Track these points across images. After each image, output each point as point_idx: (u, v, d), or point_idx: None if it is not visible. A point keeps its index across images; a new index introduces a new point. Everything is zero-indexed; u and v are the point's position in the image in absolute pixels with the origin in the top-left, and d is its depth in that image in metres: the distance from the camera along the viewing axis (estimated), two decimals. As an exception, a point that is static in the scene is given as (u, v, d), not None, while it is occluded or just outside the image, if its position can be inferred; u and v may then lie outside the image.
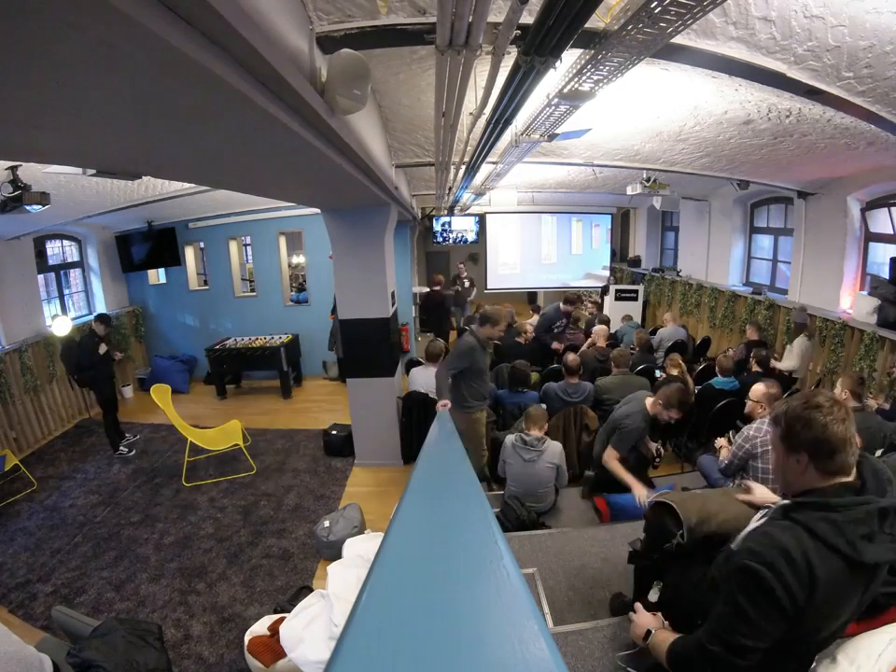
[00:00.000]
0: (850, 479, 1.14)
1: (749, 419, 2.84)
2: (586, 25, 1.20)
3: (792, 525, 1.13)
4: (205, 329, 7.27)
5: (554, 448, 3.16)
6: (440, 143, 2.58)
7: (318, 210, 4.26)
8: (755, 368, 4.34)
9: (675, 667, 1.29)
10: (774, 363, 4.87)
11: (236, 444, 4.59)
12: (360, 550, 2.78)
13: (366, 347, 4.38)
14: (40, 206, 3.13)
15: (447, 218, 9.17)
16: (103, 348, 4.99)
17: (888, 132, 2.78)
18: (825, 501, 1.11)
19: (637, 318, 7.73)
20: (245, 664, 2.47)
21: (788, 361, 4.93)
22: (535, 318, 7.10)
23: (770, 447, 2.42)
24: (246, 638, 2.45)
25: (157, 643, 2.14)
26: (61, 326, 5.41)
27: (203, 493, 4.24)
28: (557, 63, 1.44)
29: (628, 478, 2.80)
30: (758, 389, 2.82)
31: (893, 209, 4.47)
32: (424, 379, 4.38)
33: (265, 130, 1.46)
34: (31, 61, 0.86)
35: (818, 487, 1.15)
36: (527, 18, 1.28)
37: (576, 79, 1.68)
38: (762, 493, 1.68)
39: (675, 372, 4.25)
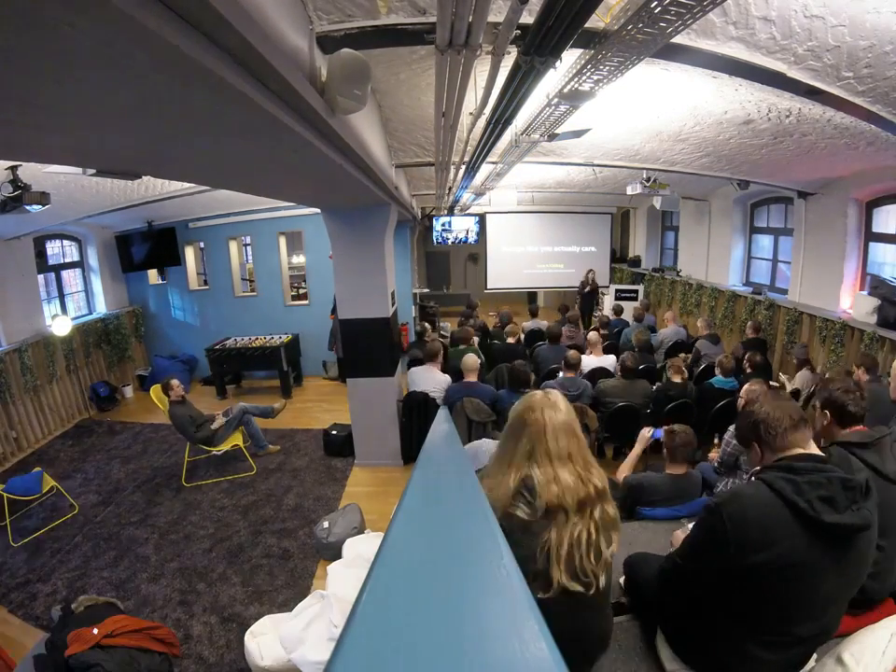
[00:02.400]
0: (812, 451, 1.30)
1: None
2: (586, 25, 1.20)
3: (756, 482, 1.28)
4: (205, 328, 7.27)
5: None
6: (440, 143, 2.58)
7: (318, 210, 4.26)
8: (748, 370, 4.34)
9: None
10: (783, 380, 4.82)
11: (236, 445, 4.59)
12: (360, 550, 2.78)
13: (366, 347, 4.38)
14: (40, 206, 3.13)
15: (447, 218, 9.17)
16: None
17: (888, 132, 2.78)
18: (788, 465, 1.26)
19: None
20: (246, 664, 2.48)
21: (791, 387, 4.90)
22: (533, 321, 7.08)
23: None
24: (247, 638, 2.44)
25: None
26: (61, 326, 5.41)
27: (204, 493, 4.24)
28: (557, 63, 1.44)
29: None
30: (748, 390, 2.91)
31: (893, 209, 4.48)
32: (423, 379, 4.37)
33: (265, 130, 1.46)
34: (31, 61, 0.86)
35: (783, 457, 1.30)
36: (527, 18, 1.28)
37: (576, 79, 1.68)
38: None
39: (677, 379, 4.23)
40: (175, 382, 4.51)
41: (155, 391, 4.64)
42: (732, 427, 2.70)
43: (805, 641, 1.30)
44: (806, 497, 1.16)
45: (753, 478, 1.31)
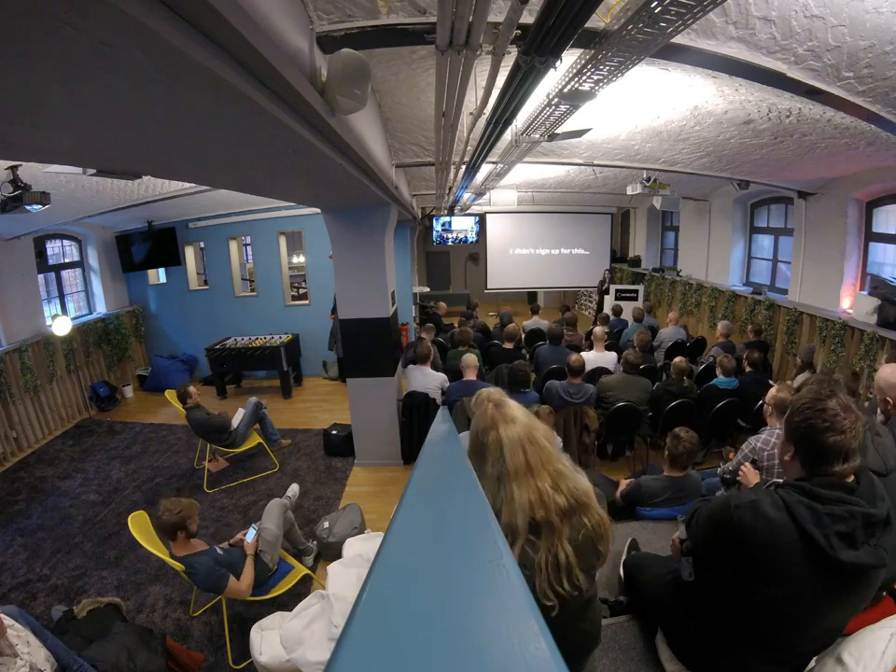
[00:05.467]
0: (845, 479, 1.16)
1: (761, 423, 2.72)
2: (586, 25, 1.20)
3: (777, 498, 1.18)
4: (205, 328, 7.26)
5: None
6: (440, 143, 2.58)
7: (318, 210, 4.26)
8: (747, 368, 4.34)
9: None
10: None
11: (258, 442, 4.60)
12: (360, 550, 2.78)
13: (366, 347, 4.38)
14: (40, 206, 3.13)
15: (447, 218, 9.17)
16: None
17: (888, 132, 2.78)
18: (812, 489, 1.14)
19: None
20: (245, 663, 2.48)
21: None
22: (534, 319, 7.10)
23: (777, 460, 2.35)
24: (253, 630, 2.42)
25: (159, 647, 2.19)
26: (61, 326, 5.41)
27: (204, 493, 4.23)
28: (557, 63, 1.44)
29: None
30: (770, 392, 2.70)
31: (893, 209, 4.48)
32: (419, 380, 4.37)
33: (265, 130, 1.46)
34: (31, 61, 0.86)
35: (809, 478, 1.19)
36: (527, 18, 1.28)
37: (576, 79, 1.68)
38: None
39: (685, 383, 4.21)
40: (192, 389, 4.40)
41: (172, 395, 4.60)
42: (752, 441, 2.57)
43: (805, 655, 1.30)
44: (825, 531, 1.09)
45: (774, 489, 1.22)
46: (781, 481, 1.27)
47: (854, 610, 1.22)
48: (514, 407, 1.28)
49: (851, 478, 1.17)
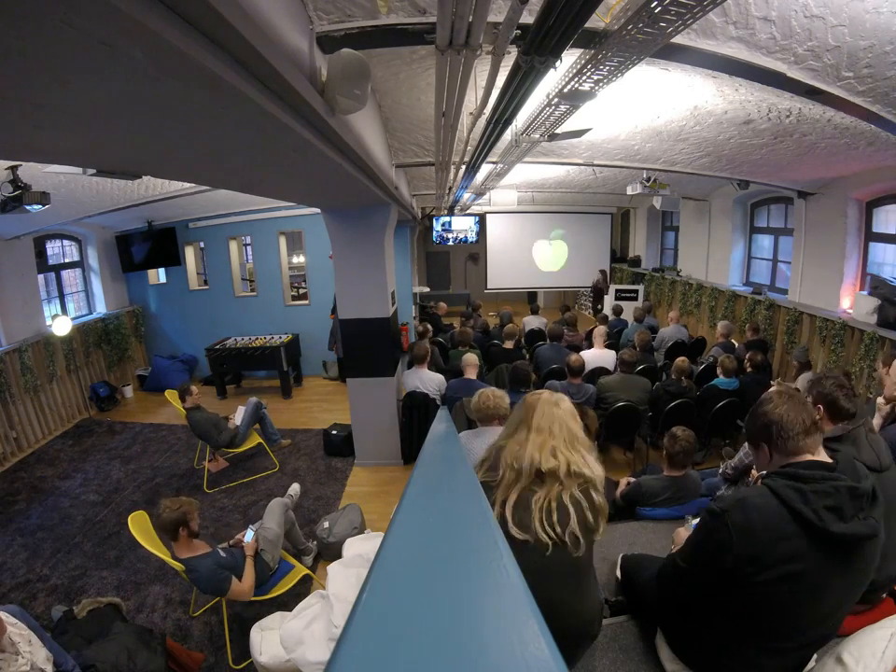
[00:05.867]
0: (821, 458, 1.26)
1: None
2: (586, 25, 1.20)
3: (762, 488, 1.26)
4: (205, 328, 7.26)
5: None
6: (440, 142, 2.57)
7: (318, 210, 4.26)
8: (749, 369, 4.33)
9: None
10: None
11: (259, 443, 4.60)
12: (360, 550, 2.77)
13: (366, 347, 4.38)
14: (40, 206, 3.13)
15: (447, 218, 9.18)
16: None
17: (888, 132, 2.78)
18: (795, 472, 1.22)
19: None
20: (246, 664, 2.47)
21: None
22: (533, 317, 7.10)
23: None
24: (253, 630, 2.42)
25: (159, 647, 2.19)
26: (61, 326, 5.41)
27: (204, 493, 4.24)
28: (557, 63, 1.44)
29: None
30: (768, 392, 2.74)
31: (893, 209, 4.48)
32: (411, 380, 4.37)
33: (265, 130, 1.46)
34: (31, 61, 0.86)
35: (790, 463, 1.27)
36: (527, 18, 1.28)
37: (576, 79, 1.68)
38: None
39: (684, 383, 4.21)
40: (194, 388, 4.40)
41: (171, 395, 4.60)
42: (747, 444, 2.60)
43: (807, 646, 1.30)
44: (813, 507, 1.14)
45: (759, 483, 1.29)
46: (764, 472, 1.36)
47: (852, 592, 1.23)
48: (566, 402, 1.48)
49: (821, 454, 1.27)
